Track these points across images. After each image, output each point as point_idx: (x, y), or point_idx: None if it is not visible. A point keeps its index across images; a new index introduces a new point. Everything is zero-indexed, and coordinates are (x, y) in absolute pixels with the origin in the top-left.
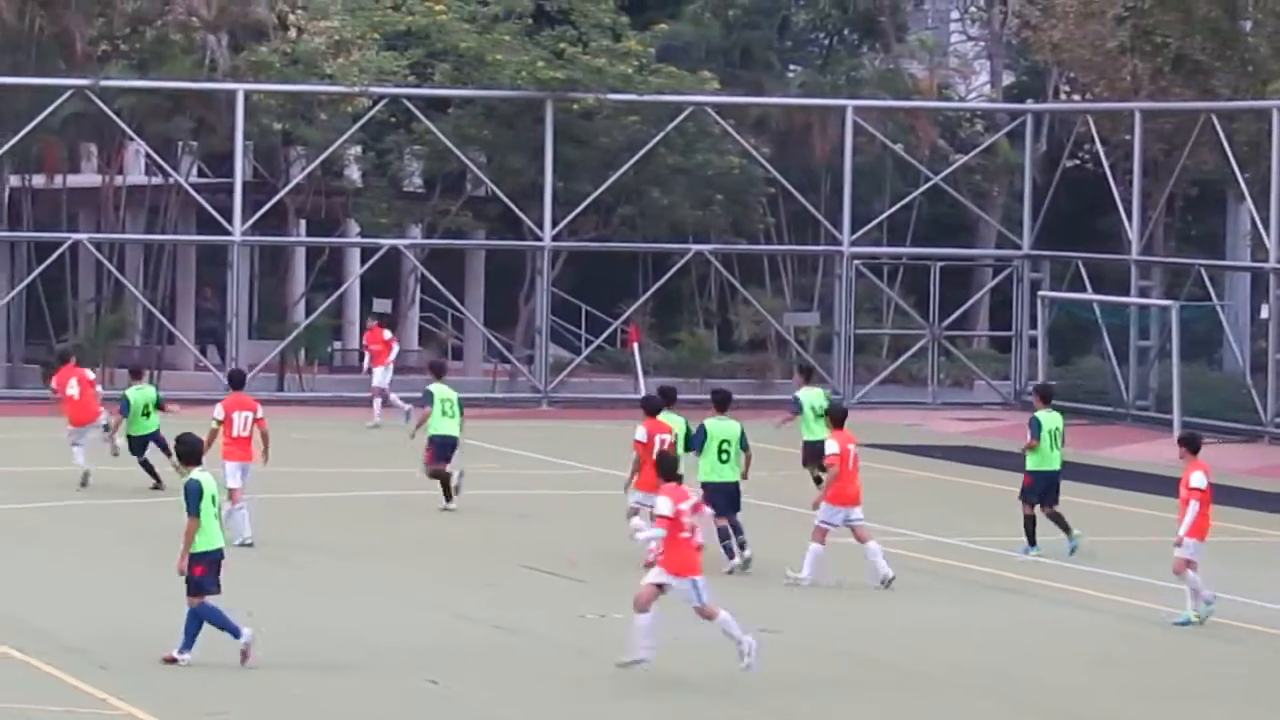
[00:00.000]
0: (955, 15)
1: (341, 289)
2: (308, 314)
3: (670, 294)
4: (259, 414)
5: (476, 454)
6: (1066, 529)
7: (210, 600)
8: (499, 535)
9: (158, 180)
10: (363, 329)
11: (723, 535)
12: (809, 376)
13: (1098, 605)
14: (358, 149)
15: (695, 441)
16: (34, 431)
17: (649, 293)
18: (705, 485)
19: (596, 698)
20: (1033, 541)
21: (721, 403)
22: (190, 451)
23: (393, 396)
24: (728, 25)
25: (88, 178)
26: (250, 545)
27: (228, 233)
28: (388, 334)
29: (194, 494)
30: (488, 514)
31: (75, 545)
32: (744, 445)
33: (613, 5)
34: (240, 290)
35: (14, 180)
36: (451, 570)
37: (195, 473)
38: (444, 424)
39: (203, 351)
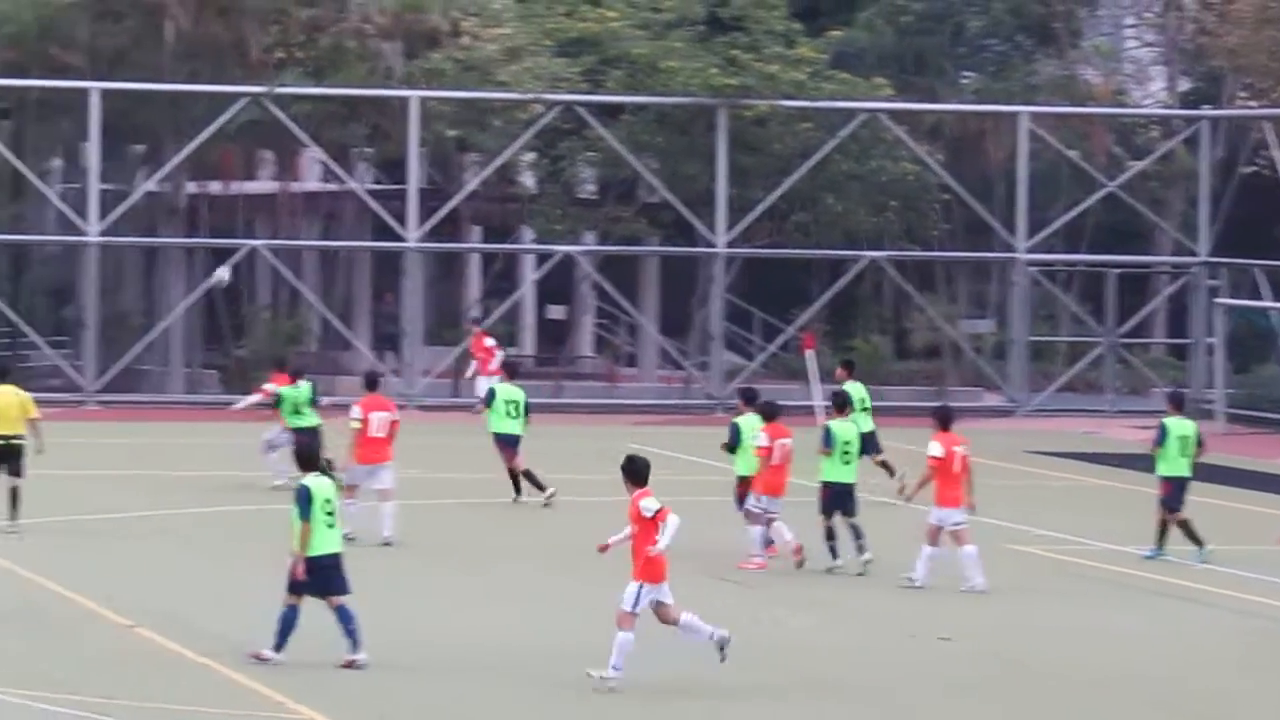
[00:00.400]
0: (1130, 21)
1: (515, 295)
2: (483, 320)
3: (845, 300)
4: (395, 415)
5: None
6: (1162, 539)
7: (341, 600)
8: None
9: (333, 186)
10: (541, 333)
11: (828, 535)
12: (851, 371)
13: (1268, 612)
14: (531, 155)
15: (824, 442)
16: (211, 436)
17: (823, 299)
18: (826, 484)
19: (761, 696)
20: (1200, 543)
21: (841, 405)
22: (307, 456)
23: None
24: (901, 31)
25: (264, 184)
26: (351, 540)
27: (402, 239)
28: (490, 340)
29: (304, 499)
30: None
31: (247, 548)
32: (863, 448)
33: (785, 12)
34: (415, 296)
35: (191, 187)
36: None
37: (309, 478)
38: (506, 424)
39: (380, 357)
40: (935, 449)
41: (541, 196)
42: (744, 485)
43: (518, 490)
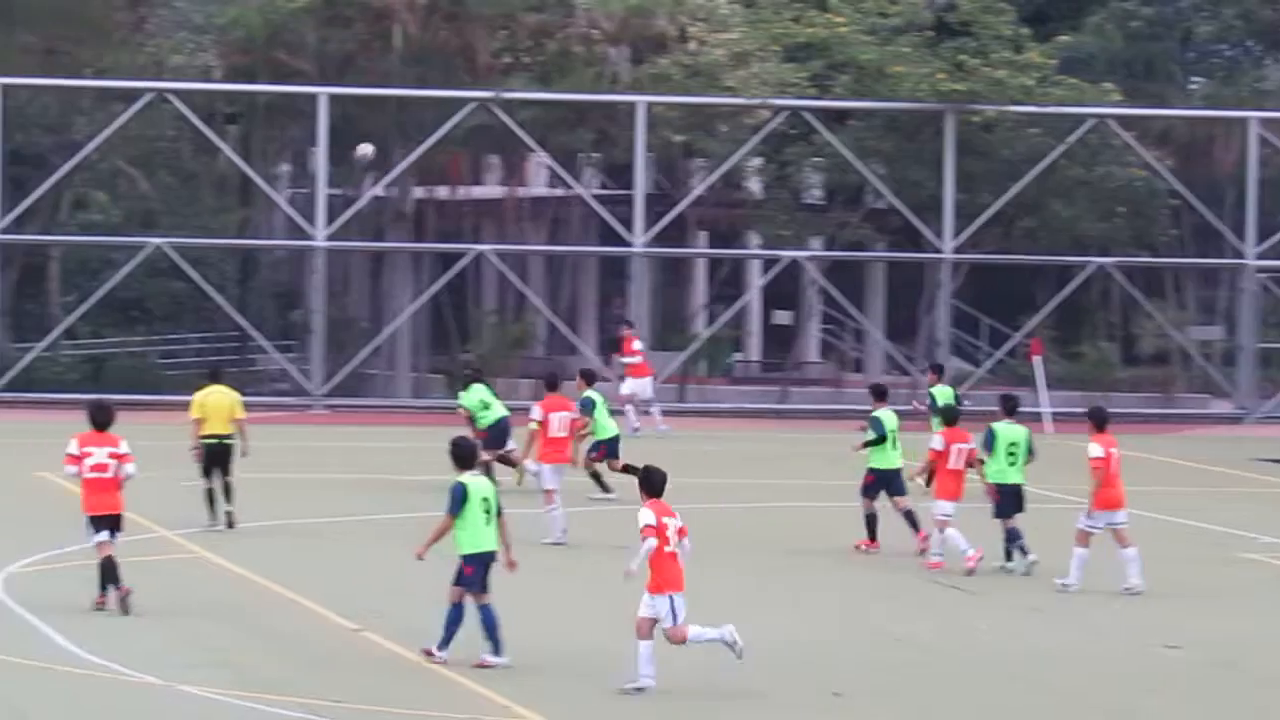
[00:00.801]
0: None
1: (741, 300)
2: (709, 325)
3: (1072, 307)
4: (575, 414)
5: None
6: None
7: (476, 600)
8: (895, 546)
9: (559, 192)
10: (767, 338)
11: (1011, 536)
12: (940, 374)
13: None
14: (758, 160)
15: (985, 444)
16: (437, 441)
17: (1051, 305)
18: (995, 487)
19: (976, 703)
20: None
21: (1010, 408)
22: (462, 455)
23: (650, 409)
24: (1129, 36)
25: (490, 189)
26: (562, 544)
27: (628, 244)
28: (638, 344)
29: (457, 496)
30: (884, 525)
31: None
32: (1030, 450)
33: (1014, 17)
34: (641, 301)
35: (419, 191)
36: (855, 582)
37: (466, 476)
38: (609, 428)
39: (607, 361)
40: (1095, 450)
41: (768, 202)
42: (872, 476)
43: (605, 489)
